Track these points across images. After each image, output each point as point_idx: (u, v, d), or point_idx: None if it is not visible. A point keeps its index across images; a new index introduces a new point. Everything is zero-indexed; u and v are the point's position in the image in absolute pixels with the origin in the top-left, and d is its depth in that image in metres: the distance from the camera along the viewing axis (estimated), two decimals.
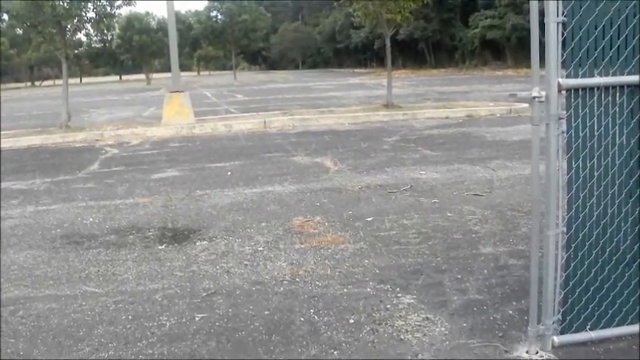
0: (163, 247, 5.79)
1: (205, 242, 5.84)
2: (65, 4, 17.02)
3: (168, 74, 29.03)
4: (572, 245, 3.21)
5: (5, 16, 19.47)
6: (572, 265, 3.23)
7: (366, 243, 5.53)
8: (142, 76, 69.29)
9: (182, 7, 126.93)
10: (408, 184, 7.89)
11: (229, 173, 9.32)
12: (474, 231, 5.74)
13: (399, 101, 18.87)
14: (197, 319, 4.08)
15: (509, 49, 50.04)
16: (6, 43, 70.30)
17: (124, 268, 5.21)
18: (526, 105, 14.82)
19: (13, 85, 79.77)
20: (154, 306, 4.34)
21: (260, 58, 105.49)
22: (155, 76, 68.83)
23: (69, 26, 17.52)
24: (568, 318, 3.27)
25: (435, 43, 58.16)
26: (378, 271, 4.78)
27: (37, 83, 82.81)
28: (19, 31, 37.01)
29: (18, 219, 7.19)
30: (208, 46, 71.20)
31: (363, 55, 73.35)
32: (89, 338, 3.88)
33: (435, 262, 4.92)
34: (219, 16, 66.49)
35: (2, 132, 16.63)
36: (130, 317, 4.17)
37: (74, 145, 14.51)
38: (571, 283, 3.24)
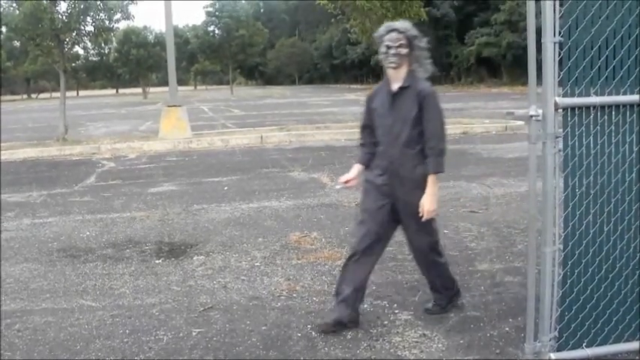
0: (160, 261, 5.80)
1: (202, 257, 5.84)
2: (64, 17, 17.10)
3: (165, 88, 29.02)
4: (569, 262, 3.23)
5: (3, 29, 19.47)
6: (568, 282, 3.24)
7: None
8: (139, 90, 69.41)
9: (180, 22, 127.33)
10: None
11: (226, 188, 9.35)
12: (470, 248, 5.77)
13: None
14: (194, 333, 4.09)
15: (505, 66, 50.32)
16: (3, 55, 70.42)
17: (121, 282, 5.22)
18: (522, 122, 14.87)
19: (9, 97, 79.79)
20: (151, 320, 4.34)
21: (257, 73, 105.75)
22: (152, 89, 69.03)
23: (67, 39, 17.60)
24: (565, 335, 3.28)
25: (431, 60, 58.41)
26: (374, 287, 4.78)
27: (33, 96, 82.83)
28: (17, 44, 37.08)
29: (14, 232, 7.19)
30: (205, 60, 71.34)
31: (360, 71, 73.63)
32: (86, 352, 3.88)
33: None
34: (217, 31, 66.75)
35: None
36: (127, 331, 4.17)
37: (71, 158, 14.52)
38: (567, 300, 3.26)
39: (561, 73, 3.08)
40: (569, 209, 3.18)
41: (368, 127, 4.16)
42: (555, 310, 3.27)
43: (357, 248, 4.04)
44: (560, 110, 3.11)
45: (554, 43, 3.05)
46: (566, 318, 3.27)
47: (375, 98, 4.09)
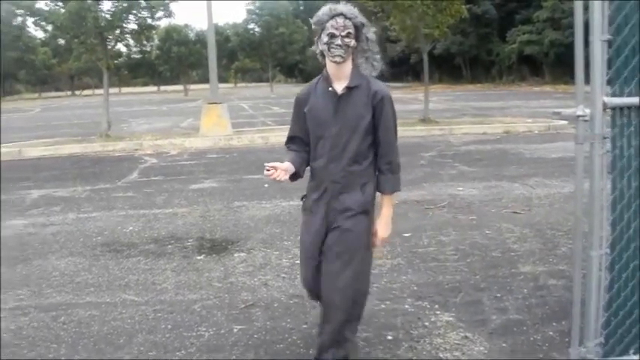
0: (202, 257, 5.85)
1: (243, 254, 5.88)
2: (108, 15, 17.40)
3: (206, 85, 29.23)
4: (616, 267, 3.16)
5: (49, 27, 19.87)
6: (615, 287, 3.17)
7: (404, 259, 5.51)
8: (180, 87, 70.22)
9: (220, 20, 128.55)
10: (445, 200, 7.85)
11: (266, 185, 9.37)
12: (512, 249, 5.69)
13: (436, 116, 18.80)
14: (235, 330, 4.12)
15: (547, 65, 49.51)
16: (48, 52, 71.91)
17: (163, 278, 5.28)
18: (565, 122, 14.64)
19: (53, 94, 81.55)
20: (193, 316, 4.39)
21: (296, 70, 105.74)
22: (192, 87, 69.76)
23: (110, 37, 17.90)
24: (610, 341, 3.21)
25: (472, 58, 57.78)
26: (416, 288, 4.77)
27: (77, 92, 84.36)
28: (61, 42, 37.81)
29: (60, 226, 7.34)
30: (245, 58, 71.82)
31: (399, 68, 73.10)
32: (129, 346, 3.94)
33: (474, 280, 4.88)
34: (257, 29, 67.08)
35: (44, 140, 17.05)
36: (169, 327, 4.22)
37: (114, 154, 14.76)
38: (614, 305, 3.19)
39: (609, 71, 3.01)
40: (617, 212, 3.11)
41: (297, 139, 3.40)
42: (601, 316, 3.20)
43: (309, 288, 3.46)
44: (608, 110, 3.04)
45: (603, 41, 2.98)
46: (612, 324, 3.20)
47: (310, 101, 3.29)
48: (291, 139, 3.43)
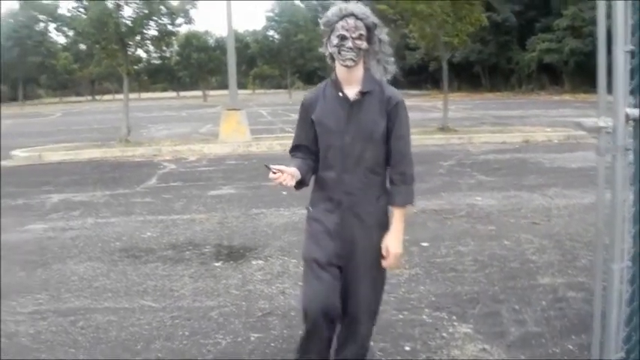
0: (219, 264, 5.86)
1: (261, 261, 5.88)
2: (129, 22, 17.59)
3: (225, 91, 29.39)
4: (637, 280, 3.12)
5: (71, 33, 20.15)
6: (636, 301, 3.13)
7: (422, 269, 5.48)
8: (199, 93, 70.58)
9: (240, 27, 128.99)
10: (463, 210, 7.81)
11: (285, 193, 9.37)
12: (531, 260, 5.64)
13: (455, 125, 18.70)
14: (252, 338, 4.12)
15: (567, 73, 49.16)
16: (69, 57, 72.64)
17: (181, 284, 5.30)
18: (585, 132, 14.52)
19: (74, 98, 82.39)
20: (210, 323, 4.40)
21: (315, 77, 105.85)
22: (211, 93, 70.04)
23: (131, 43, 18.09)
24: (631, 356, 3.16)
25: (491, 66, 57.52)
26: (434, 298, 4.74)
27: (97, 97, 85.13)
28: (83, 47, 38.25)
29: (78, 230, 7.39)
30: (264, 64, 72.15)
31: (418, 76, 72.93)
32: (146, 352, 3.95)
33: (492, 291, 4.85)
34: (276, 36, 67.40)
35: (64, 144, 17.23)
36: (186, 333, 4.23)
37: (133, 159, 14.87)
38: (635, 319, 3.15)
39: (632, 82, 2.98)
40: (639, 225, 3.07)
41: (303, 148, 3.13)
42: (622, 330, 3.16)
43: (318, 309, 2.99)
44: (631, 122, 3.00)
45: (626, 51, 2.94)
46: (633, 338, 3.16)
47: (317, 107, 3.04)
48: (296, 148, 3.16)
